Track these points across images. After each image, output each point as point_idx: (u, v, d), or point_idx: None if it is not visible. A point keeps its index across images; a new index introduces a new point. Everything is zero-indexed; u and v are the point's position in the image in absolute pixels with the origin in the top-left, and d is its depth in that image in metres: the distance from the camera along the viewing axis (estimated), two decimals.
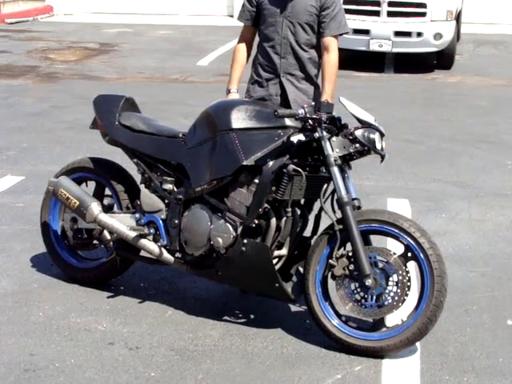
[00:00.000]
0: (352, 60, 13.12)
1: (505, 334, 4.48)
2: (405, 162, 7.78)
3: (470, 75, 12.88)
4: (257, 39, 4.94)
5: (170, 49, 14.55)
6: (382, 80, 12.30)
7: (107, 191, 4.92)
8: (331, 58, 4.74)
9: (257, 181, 4.23)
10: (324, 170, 4.31)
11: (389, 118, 9.07)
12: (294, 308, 4.68)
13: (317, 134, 4.16)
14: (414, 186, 7.18)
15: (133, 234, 4.59)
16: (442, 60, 13.35)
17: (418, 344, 4.20)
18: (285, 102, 4.79)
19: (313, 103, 4.74)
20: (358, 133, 4.17)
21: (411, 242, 4.10)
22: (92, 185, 5.00)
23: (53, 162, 7.35)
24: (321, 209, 4.41)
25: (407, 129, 9.11)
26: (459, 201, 6.82)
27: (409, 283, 4.13)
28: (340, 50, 4.85)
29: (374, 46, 12.73)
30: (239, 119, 4.31)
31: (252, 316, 4.60)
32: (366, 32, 12.69)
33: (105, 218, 4.64)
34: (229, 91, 4.86)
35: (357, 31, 12.60)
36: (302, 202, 4.50)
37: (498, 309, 4.78)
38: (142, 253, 4.73)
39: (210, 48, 14.46)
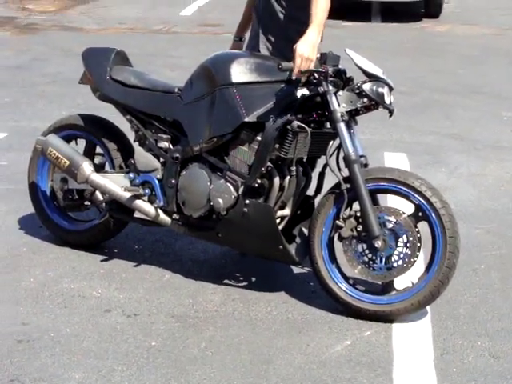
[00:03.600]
0: (338, 9, 12.83)
1: None
2: (399, 115, 7.46)
3: (458, 24, 12.67)
4: None
5: None
6: (370, 30, 12.05)
7: (98, 149, 4.68)
8: None
9: (259, 138, 4.01)
10: (329, 126, 4.10)
11: None
12: (296, 270, 4.50)
13: (322, 88, 3.94)
14: (410, 139, 7.01)
15: (127, 194, 4.36)
16: (429, 8, 13.11)
17: (428, 307, 4.03)
18: None
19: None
20: (366, 86, 3.95)
21: (422, 201, 3.90)
22: (82, 143, 4.75)
23: (36, 117, 7.11)
24: (325, 166, 4.22)
25: (399, 80, 8.77)
26: (457, 154, 6.65)
27: (419, 244, 3.94)
28: None
29: None
30: (240, 73, 4.06)
31: (253, 279, 4.41)
32: None
33: (97, 178, 4.41)
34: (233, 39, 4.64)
35: None
36: (305, 159, 4.29)
37: (506, 268, 4.63)
38: (137, 214, 4.51)
39: None
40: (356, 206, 3.99)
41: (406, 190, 3.93)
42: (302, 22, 4.13)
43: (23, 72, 8.87)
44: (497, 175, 6.19)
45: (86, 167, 4.41)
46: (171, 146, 4.32)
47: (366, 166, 4.04)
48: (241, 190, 4.08)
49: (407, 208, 4.00)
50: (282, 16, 4.27)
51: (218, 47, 4.81)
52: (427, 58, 10.23)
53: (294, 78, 3.95)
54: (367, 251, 3.99)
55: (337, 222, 3.99)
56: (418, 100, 8.25)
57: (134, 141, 4.51)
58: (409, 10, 13.28)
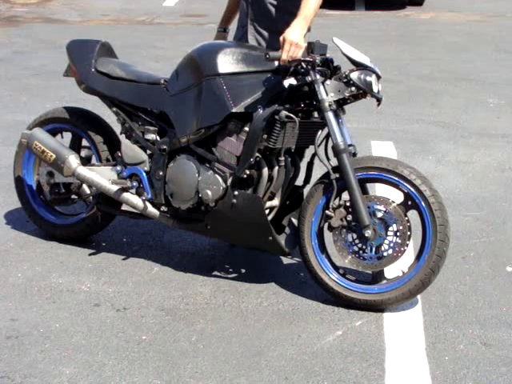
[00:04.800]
0: None
1: (505, 281, 4.32)
2: (386, 103, 7.45)
3: (442, 11, 12.66)
4: None
5: None
6: (354, 18, 12.03)
7: (84, 142, 4.63)
8: None
9: (247, 129, 3.97)
10: (317, 116, 4.07)
11: None
12: (286, 260, 4.48)
13: (309, 78, 3.91)
14: (397, 127, 6.99)
15: (114, 187, 4.32)
16: None
17: (419, 296, 4.02)
18: None
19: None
20: (354, 75, 3.92)
21: (412, 189, 3.88)
22: (68, 136, 4.71)
23: (20, 110, 7.05)
24: (313, 156, 4.19)
25: (385, 68, 8.80)
26: (444, 142, 6.64)
27: (409, 233, 3.93)
28: None
29: None
30: (226, 63, 4.02)
31: (243, 270, 4.38)
32: None
33: (84, 171, 4.37)
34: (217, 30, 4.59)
35: None
36: (293, 149, 4.26)
37: (495, 255, 4.62)
38: (124, 207, 4.48)
39: None
40: (345, 195, 3.97)
41: (396, 178, 3.91)
42: (289, 12, 4.10)
43: (5, 65, 8.81)
44: (484, 162, 6.19)
45: (73, 160, 4.37)
46: (158, 138, 4.28)
47: (354, 155, 4.02)
48: (229, 181, 4.05)
49: (397, 197, 3.98)
50: (271, 7, 4.23)
51: (201, 37, 4.78)
52: (412, 46, 10.22)
53: (281, 64, 3.91)
54: (357, 241, 3.97)
55: (326, 211, 3.97)
56: (403, 88, 8.24)
57: (121, 133, 4.47)
58: None
